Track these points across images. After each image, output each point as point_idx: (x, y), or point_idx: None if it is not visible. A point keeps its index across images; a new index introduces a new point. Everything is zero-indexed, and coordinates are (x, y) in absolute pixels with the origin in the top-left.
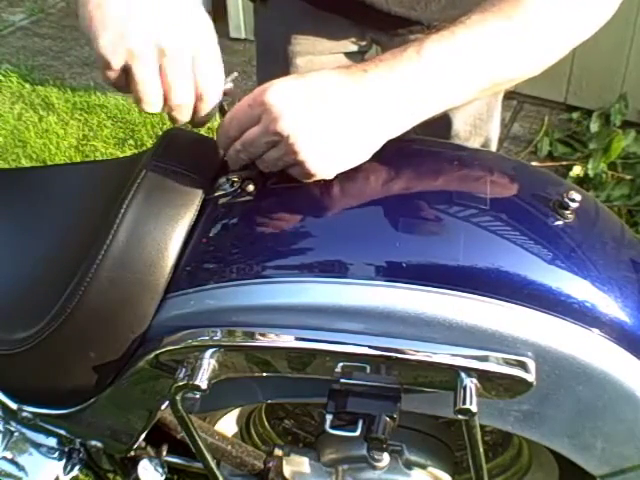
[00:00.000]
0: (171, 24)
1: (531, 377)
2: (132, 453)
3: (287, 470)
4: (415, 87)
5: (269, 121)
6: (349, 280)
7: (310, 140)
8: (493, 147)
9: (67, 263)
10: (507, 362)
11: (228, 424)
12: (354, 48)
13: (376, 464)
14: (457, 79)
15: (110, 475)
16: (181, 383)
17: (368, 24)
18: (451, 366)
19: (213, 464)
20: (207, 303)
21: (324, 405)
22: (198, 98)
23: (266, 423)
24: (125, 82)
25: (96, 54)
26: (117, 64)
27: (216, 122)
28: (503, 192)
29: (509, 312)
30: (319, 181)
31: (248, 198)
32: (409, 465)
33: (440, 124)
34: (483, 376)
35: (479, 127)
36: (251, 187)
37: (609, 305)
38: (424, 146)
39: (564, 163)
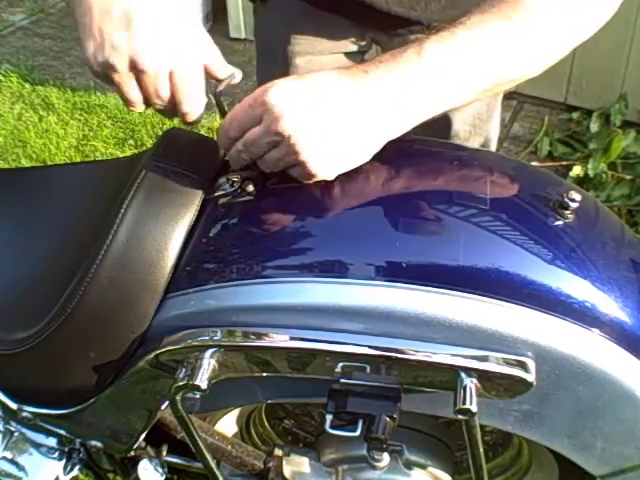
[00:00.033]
0: (148, 37)
1: (531, 377)
2: (132, 453)
3: (287, 470)
4: (415, 88)
5: (270, 121)
6: (349, 280)
7: (311, 140)
8: (493, 147)
9: (67, 263)
10: (507, 362)
11: (228, 424)
12: (354, 48)
13: (376, 464)
14: (457, 80)
15: (110, 475)
16: (181, 383)
17: (368, 24)
18: (451, 366)
19: (213, 464)
20: (207, 303)
21: (324, 405)
22: (178, 102)
23: (266, 423)
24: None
25: (80, 57)
26: (97, 70)
27: (216, 122)
28: (503, 192)
29: (509, 312)
30: (319, 181)
31: (248, 198)
32: (409, 465)
33: (440, 124)
34: (483, 376)
35: (479, 127)
36: (251, 187)
37: (609, 305)
38: (424, 146)
39: (564, 163)
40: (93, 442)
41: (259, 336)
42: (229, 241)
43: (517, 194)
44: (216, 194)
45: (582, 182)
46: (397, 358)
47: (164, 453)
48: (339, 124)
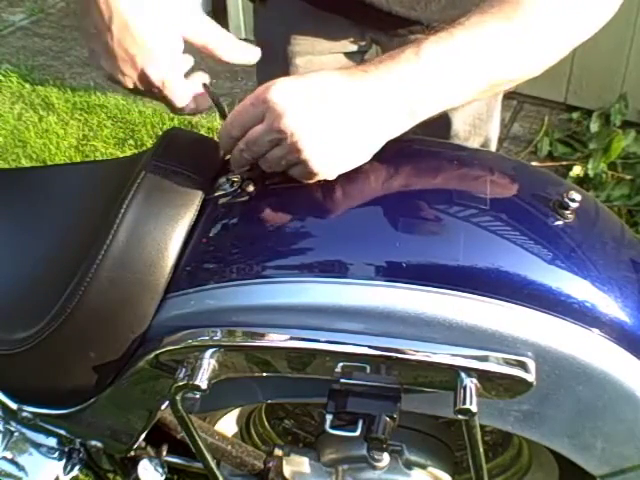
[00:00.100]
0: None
1: (531, 377)
2: (132, 453)
3: (287, 470)
4: (413, 88)
5: (272, 119)
6: (349, 280)
7: (313, 139)
8: (493, 147)
9: (67, 263)
10: (507, 362)
11: (228, 424)
12: (354, 48)
13: (376, 464)
14: (455, 80)
15: (110, 475)
16: (181, 383)
17: (368, 24)
18: (451, 366)
19: (213, 464)
20: (207, 303)
21: (324, 405)
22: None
23: (266, 423)
24: None
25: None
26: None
27: (216, 122)
28: (503, 192)
29: (509, 312)
30: (319, 181)
31: (248, 198)
32: (409, 465)
33: (440, 124)
34: (483, 376)
35: (479, 127)
36: (251, 187)
37: (609, 305)
38: (424, 146)
39: (564, 163)
40: (93, 442)
41: (259, 336)
42: (229, 241)
43: (517, 194)
44: (216, 194)
45: (582, 182)
46: (397, 358)
47: (164, 453)
48: (339, 123)
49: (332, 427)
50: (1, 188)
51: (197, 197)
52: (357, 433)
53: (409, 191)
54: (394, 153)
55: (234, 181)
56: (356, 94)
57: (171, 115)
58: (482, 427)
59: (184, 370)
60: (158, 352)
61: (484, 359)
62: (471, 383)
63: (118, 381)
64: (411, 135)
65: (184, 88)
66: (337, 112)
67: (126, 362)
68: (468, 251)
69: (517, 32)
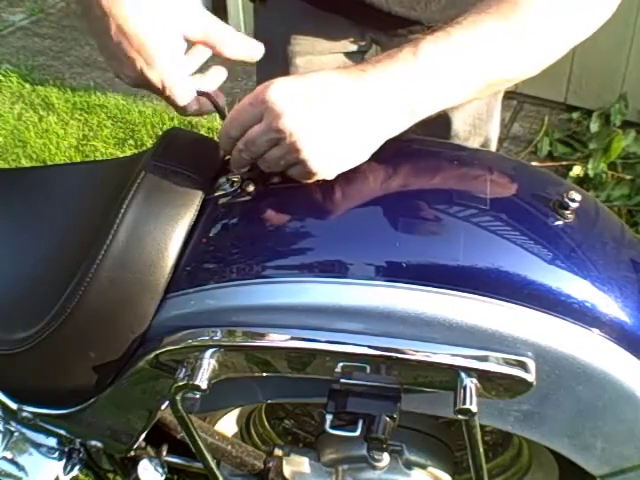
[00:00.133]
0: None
1: (531, 377)
2: (132, 453)
3: (287, 470)
4: (411, 87)
5: (271, 118)
6: (349, 280)
7: (312, 139)
8: (493, 147)
9: (67, 263)
10: (507, 362)
11: (228, 424)
12: (354, 48)
13: (376, 464)
14: (453, 79)
15: (110, 475)
16: (181, 383)
17: (368, 24)
18: (451, 366)
19: (213, 464)
20: (207, 303)
21: (324, 405)
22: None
23: (266, 423)
24: None
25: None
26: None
27: (216, 122)
28: (503, 192)
29: (509, 312)
30: (319, 181)
31: (248, 198)
32: (409, 465)
33: (439, 124)
34: (483, 376)
35: (479, 127)
36: (251, 187)
37: (609, 305)
38: (424, 146)
39: (564, 163)
40: (93, 442)
41: (259, 336)
42: (229, 241)
43: (517, 194)
44: (216, 194)
45: (582, 182)
46: (397, 358)
47: (164, 453)
48: (338, 123)
49: (332, 427)
50: (1, 188)
51: (197, 197)
52: (357, 433)
53: (409, 191)
54: (394, 153)
55: (234, 181)
56: (354, 93)
57: (171, 115)
58: (482, 427)
59: (184, 370)
60: (158, 352)
61: (484, 359)
62: (471, 383)
63: (118, 381)
64: (411, 135)
65: (185, 89)
66: (336, 111)
67: (126, 362)
68: (468, 251)
69: (514, 32)
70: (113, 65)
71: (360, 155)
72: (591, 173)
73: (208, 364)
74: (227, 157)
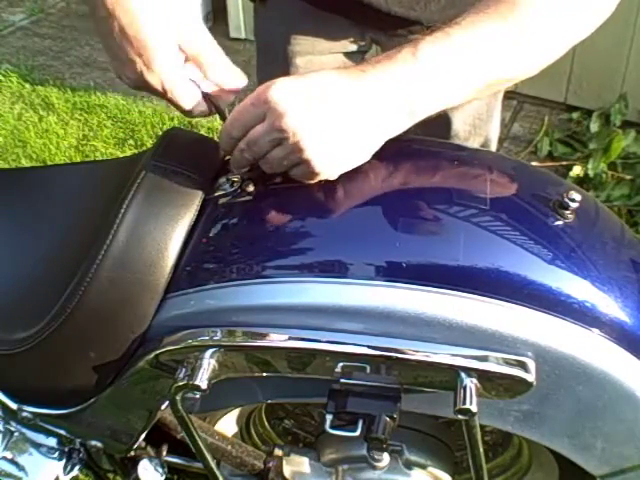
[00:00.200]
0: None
1: (531, 377)
2: (132, 453)
3: (287, 470)
4: (410, 88)
5: (274, 118)
6: (349, 280)
7: (314, 139)
8: (493, 147)
9: (67, 263)
10: (507, 362)
11: (228, 424)
12: (354, 48)
13: (376, 464)
14: (452, 79)
15: (110, 475)
16: (181, 383)
17: (368, 24)
18: (451, 366)
19: (213, 464)
20: (207, 303)
21: (324, 405)
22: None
23: (266, 423)
24: None
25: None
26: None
27: (216, 122)
28: (503, 192)
29: (509, 312)
30: (319, 181)
31: (248, 198)
32: (409, 465)
33: (439, 124)
34: (483, 376)
35: (479, 127)
36: (251, 187)
37: (609, 305)
38: (424, 146)
39: (564, 163)
40: (93, 442)
41: (259, 336)
42: (229, 241)
43: (517, 194)
44: (216, 194)
45: (582, 182)
46: (397, 358)
47: (164, 453)
48: (339, 123)
49: (332, 427)
50: (1, 188)
51: (197, 197)
52: (357, 433)
53: (409, 191)
54: (394, 153)
55: (234, 181)
56: (354, 93)
57: (171, 115)
58: (482, 427)
59: (184, 370)
60: (158, 352)
61: (484, 359)
62: (471, 383)
63: (118, 381)
64: (411, 135)
65: (187, 91)
66: (337, 111)
67: (126, 362)
68: (468, 251)
69: (513, 32)
70: (115, 66)
71: (361, 155)
72: (591, 173)
73: (208, 364)
74: (227, 157)
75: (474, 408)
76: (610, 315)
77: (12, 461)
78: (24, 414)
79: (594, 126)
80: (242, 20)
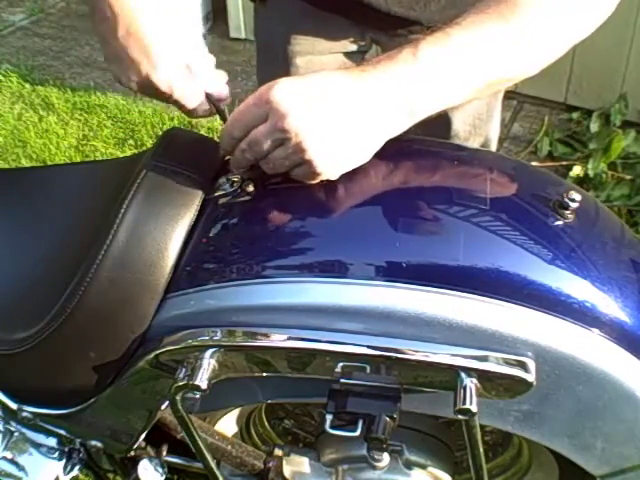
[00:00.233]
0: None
1: (531, 377)
2: (132, 453)
3: (287, 470)
4: (411, 88)
5: (276, 118)
6: (349, 280)
7: (316, 139)
8: (493, 147)
9: (67, 263)
10: (507, 362)
11: (228, 424)
12: (354, 48)
13: (376, 464)
14: (452, 80)
15: (110, 475)
16: (181, 383)
17: (368, 24)
18: (451, 366)
19: (213, 464)
20: (207, 303)
21: (324, 405)
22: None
23: (266, 423)
24: None
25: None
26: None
27: (216, 122)
28: (503, 192)
29: (509, 312)
30: (319, 181)
31: (248, 198)
32: (409, 465)
33: (440, 124)
34: (483, 376)
35: (479, 127)
36: (251, 187)
37: (609, 305)
38: (424, 146)
39: (564, 163)
40: (93, 442)
41: (259, 336)
42: (229, 241)
43: (517, 194)
44: (216, 194)
45: (582, 182)
46: (397, 358)
47: (164, 453)
48: (341, 123)
49: (332, 427)
50: (1, 188)
51: (197, 197)
52: (357, 433)
53: (409, 191)
54: (394, 153)
55: (234, 181)
56: (355, 93)
57: (171, 115)
58: (482, 427)
59: (184, 370)
60: (158, 352)
61: (484, 359)
62: (471, 383)
63: (118, 381)
64: (411, 135)
65: (193, 91)
66: (338, 111)
67: (126, 362)
68: (468, 251)
69: (513, 32)
70: (116, 68)
71: (362, 155)
72: (591, 173)
73: (208, 364)
74: (227, 157)
75: (474, 408)
76: (610, 315)
77: (12, 461)
78: (24, 414)
79: (594, 126)
80: (242, 20)
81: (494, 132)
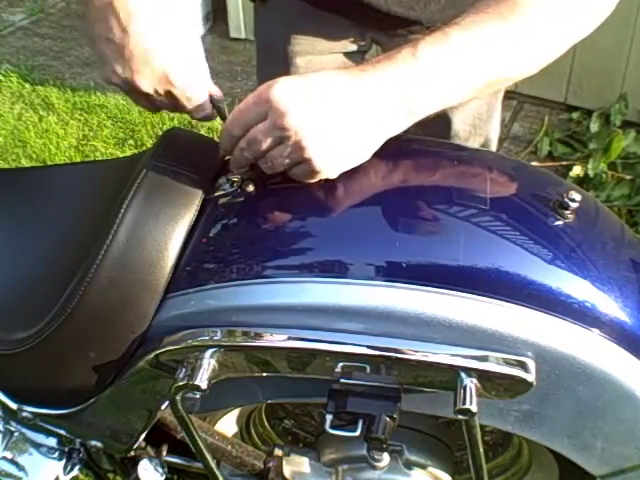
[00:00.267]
0: (139, 66)
1: (531, 377)
2: (132, 453)
3: (287, 470)
4: (410, 87)
5: (276, 116)
6: (349, 280)
7: (316, 137)
8: (493, 147)
9: (67, 263)
10: (507, 362)
11: (228, 424)
12: (354, 48)
13: (376, 464)
14: (452, 79)
15: (110, 475)
16: (181, 383)
17: (368, 24)
18: (451, 366)
19: (213, 464)
20: (207, 303)
21: (324, 405)
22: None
23: (266, 423)
24: None
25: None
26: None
27: (216, 122)
28: (503, 192)
29: (509, 312)
30: (319, 181)
31: (248, 198)
32: (409, 465)
33: (440, 124)
34: (483, 376)
35: (479, 127)
36: (251, 187)
37: (609, 305)
38: (424, 146)
39: (564, 163)
40: (93, 442)
41: (259, 336)
42: (229, 241)
43: (517, 194)
44: (216, 194)
45: (582, 182)
46: (397, 358)
47: (164, 453)
48: (340, 122)
49: (332, 427)
50: (1, 188)
51: (197, 197)
52: (357, 433)
53: (409, 191)
54: (394, 153)
55: (234, 181)
56: (355, 93)
57: (171, 115)
58: (482, 427)
59: (184, 370)
60: (158, 352)
61: (484, 359)
62: (471, 383)
63: (118, 381)
64: (411, 135)
65: (197, 92)
66: (337, 110)
67: (126, 362)
68: (468, 251)
69: (513, 32)
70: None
71: (362, 154)
72: (591, 173)
73: (208, 364)
74: (227, 157)
75: (474, 408)
76: (610, 315)
77: (12, 461)
78: (24, 414)
79: (594, 126)
80: (242, 20)
81: (494, 132)
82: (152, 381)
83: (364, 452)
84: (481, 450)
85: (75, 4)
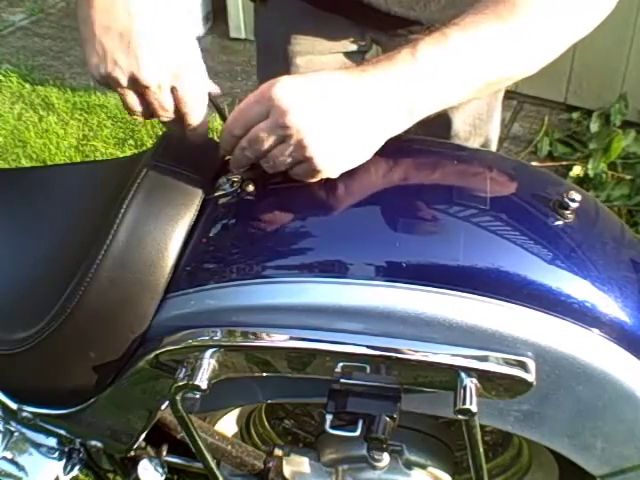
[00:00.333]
0: (147, 54)
1: (531, 377)
2: (132, 453)
3: (287, 470)
4: (410, 88)
5: (278, 114)
6: (349, 280)
7: (317, 136)
8: (493, 147)
9: (67, 263)
10: (507, 362)
11: (228, 424)
12: (354, 48)
13: (376, 464)
14: (451, 80)
15: (110, 475)
16: (181, 383)
17: (368, 24)
18: (451, 366)
19: (213, 464)
20: (207, 303)
21: (324, 405)
22: (182, 115)
23: (266, 423)
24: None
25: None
26: (101, 81)
27: (216, 122)
28: (503, 192)
29: (509, 312)
30: (319, 181)
31: (248, 198)
32: (409, 465)
33: (440, 124)
34: (483, 376)
35: (479, 127)
36: (251, 187)
37: (609, 305)
38: (424, 146)
39: (564, 163)
40: (93, 442)
41: (259, 336)
42: (229, 241)
43: (517, 194)
44: (216, 194)
45: (582, 182)
46: (397, 358)
47: (164, 453)
48: (340, 121)
49: (332, 427)
50: (1, 188)
51: (197, 197)
52: (357, 433)
53: (409, 191)
54: (394, 153)
55: (234, 181)
56: (355, 93)
57: None
58: (482, 427)
59: (184, 370)
60: (158, 352)
61: (484, 359)
62: (471, 383)
63: (118, 381)
64: (411, 135)
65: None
66: (337, 110)
67: (126, 362)
68: (468, 251)
69: (512, 32)
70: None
71: (362, 153)
72: (591, 173)
73: (208, 364)
74: (227, 157)
75: (474, 408)
76: (610, 315)
77: (12, 461)
78: (24, 414)
79: (594, 126)
80: (242, 20)
81: (494, 132)
82: (152, 381)
83: (364, 452)
84: (481, 450)
85: (75, 4)
